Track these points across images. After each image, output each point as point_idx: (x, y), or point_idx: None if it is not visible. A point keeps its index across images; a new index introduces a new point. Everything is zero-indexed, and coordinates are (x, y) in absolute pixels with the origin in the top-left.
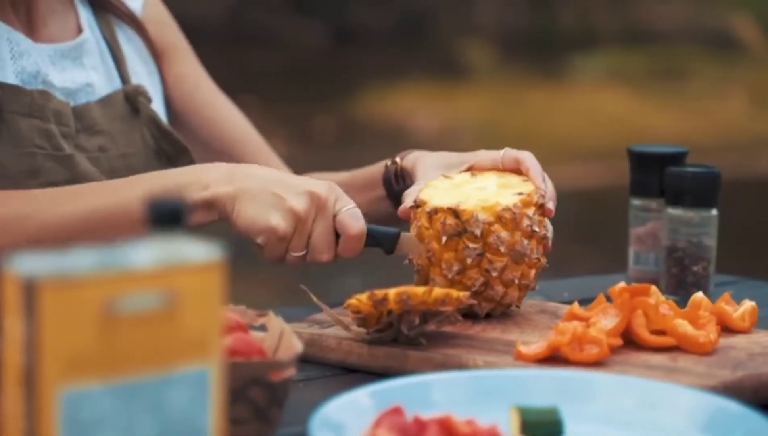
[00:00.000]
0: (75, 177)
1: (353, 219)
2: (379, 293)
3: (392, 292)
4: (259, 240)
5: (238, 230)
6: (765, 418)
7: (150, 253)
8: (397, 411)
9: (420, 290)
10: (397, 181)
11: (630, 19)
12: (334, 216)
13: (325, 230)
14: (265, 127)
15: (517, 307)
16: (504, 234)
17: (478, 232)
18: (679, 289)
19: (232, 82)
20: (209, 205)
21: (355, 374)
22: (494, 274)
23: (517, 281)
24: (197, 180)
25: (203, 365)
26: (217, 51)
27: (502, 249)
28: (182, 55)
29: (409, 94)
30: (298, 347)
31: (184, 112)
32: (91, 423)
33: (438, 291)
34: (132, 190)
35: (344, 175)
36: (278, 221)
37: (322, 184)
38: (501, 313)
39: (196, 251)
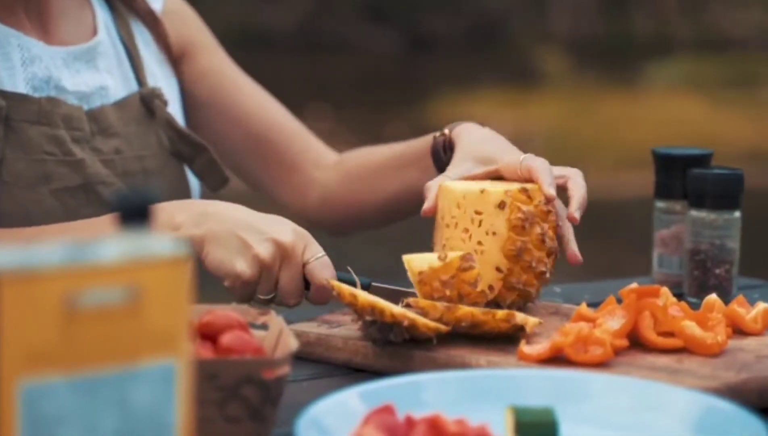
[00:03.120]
0: (87, 181)
1: (323, 269)
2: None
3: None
4: (226, 283)
5: (208, 270)
6: (759, 419)
7: (115, 247)
8: (387, 410)
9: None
10: (445, 152)
11: (704, 27)
12: (304, 265)
13: (292, 277)
14: (337, 134)
15: (533, 302)
16: (527, 208)
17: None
18: (702, 292)
19: (305, 91)
20: None
21: (361, 374)
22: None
23: (534, 265)
24: (169, 221)
25: (169, 359)
26: (291, 60)
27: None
28: (205, 50)
29: (481, 101)
30: (293, 345)
31: (212, 106)
32: (52, 418)
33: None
34: (104, 228)
35: (396, 149)
36: (243, 268)
37: (290, 233)
38: (520, 306)
39: (162, 246)
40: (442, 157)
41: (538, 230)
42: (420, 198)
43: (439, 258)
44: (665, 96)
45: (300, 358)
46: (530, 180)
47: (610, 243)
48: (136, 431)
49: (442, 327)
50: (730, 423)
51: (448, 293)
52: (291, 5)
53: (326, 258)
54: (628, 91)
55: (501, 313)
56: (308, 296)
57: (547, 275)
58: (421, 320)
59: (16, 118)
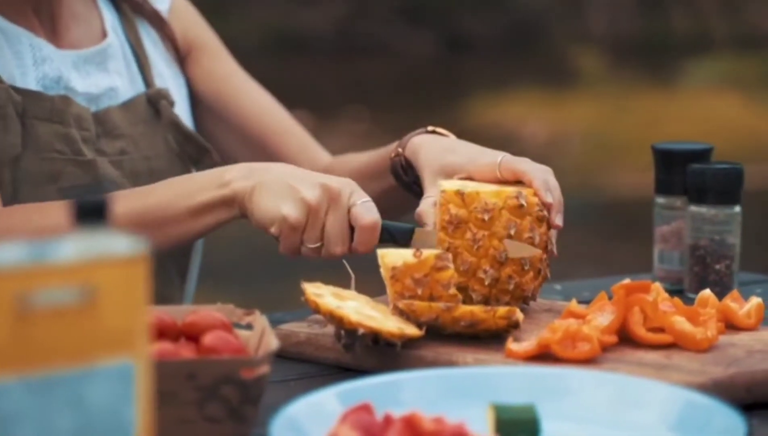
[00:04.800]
0: (96, 181)
1: (367, 211)
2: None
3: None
4: (273, 230)
5: (255, 222)
6: (738, 414)
7: (70, 247)
8: (364, 409)
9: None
10: (405, 172)
11: (743, 24)
12: (349, 209)
13: (338, 221)
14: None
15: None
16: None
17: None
18: (702, 287)
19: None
20: (230, 201)
21: (350, 374)
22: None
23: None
24: (219, 178)
25: (127, 359)
26: (327, 63)
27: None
28: (210, 51)
29: (518, 102)
30: (273, 344)
31: (216, 108)
32: (6, 417)
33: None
34: (158, 192)
35: (369, 158)
36: (290, 211)
37: (338, 179)
38: (519, 305)
39: (119, 246)
40: (402, 177)
41: (469, 234)
42: (399, 205)
43: (414, 255)
44: (703, 94)
45: (290, 358)
46: (511, 182)
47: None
48: (94, 430)
49: (408, 333)
50: (711, 418)
51: (420, 291)
52: (327, 8)
53: (371, 202)
54: (666, 90)
55: (502, 310)
56: (353, 245)
57: (487, 282)
58: (386, 328)
59: (28, 114)
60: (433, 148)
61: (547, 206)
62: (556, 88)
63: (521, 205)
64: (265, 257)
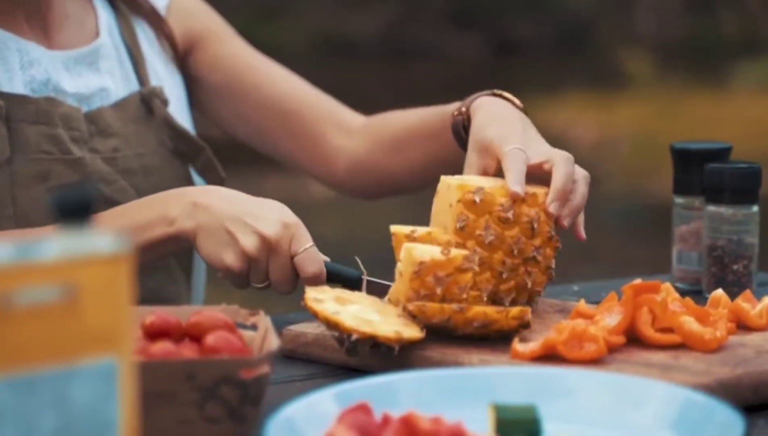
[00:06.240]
0: (87, 179)
1: (309, 262)
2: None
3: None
4: (219, 274)
5: (204, 260)
6: (735, 412)
7: (52, 246)
8: (362, 409)
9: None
10: (465, 131)
11: None
12: (292, 256)
13: (280, 268)
14: None
15: (539, 296)
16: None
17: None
18: (720, 288)
19: (390, 97)
20: (176, 239)
21: (356, 374)
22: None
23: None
24: (163, 216)
25: (110, 357)
26: (375, 67)
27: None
28: (215, 37)
29: (566, 105)
30: (273, 345)
31: (230, 91)
32: None
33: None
34: (105, 225)
35: (421, 116)
36: (231, 261)
37: (276, 225)
38: (526, 301)
39: (101, 244)
40: (462, 135)
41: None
42: (446, 167)
43: (442, 252)
44: (752, 96)
45: (298, 358)
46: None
47: None
48: (77, 429)
49: (407, 336)
50: (710, 418)
51: (439, 291)
52: (375, 12)
53: (314, 249)
54: (715, 92)
55: (514, 310)
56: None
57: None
58: (382, 333)
59: (14, 118)
60: (485, 113)
61: (512, 196)
62: (604, 91)
63: (474, 202)
64: None
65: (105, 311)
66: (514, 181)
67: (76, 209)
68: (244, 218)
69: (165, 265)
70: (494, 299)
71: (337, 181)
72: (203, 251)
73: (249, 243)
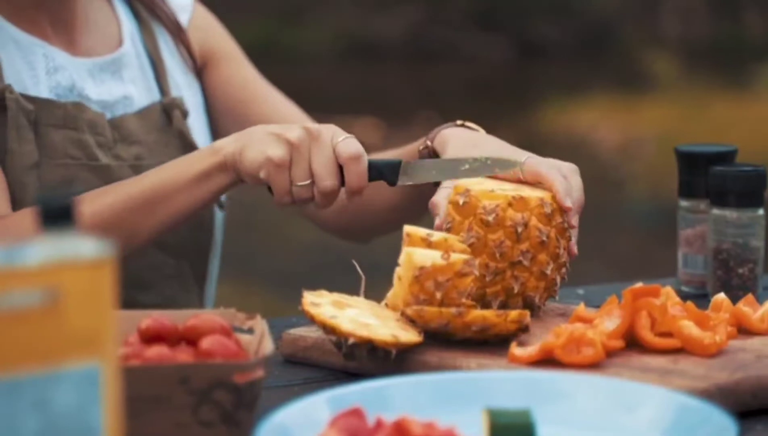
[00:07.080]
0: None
1: (351, 144)
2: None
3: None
4: (262, 175)
5: (246, 175)
6: (728, 416)
7: (35, 250)
8: (354, 413)
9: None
10: None
11: None
12: (334, 148)
13: (324, 156)
14: None
15: (539, 306)
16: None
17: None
18: (725, 291)
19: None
20: (224, 166)
21: (355, 378)
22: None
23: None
24: (209, 148)
25: (93, 361)
26: (400, 68)
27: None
28: (229, 59)
29: (590, 107)
30: (268, 349)
31: (233, 114)
32: None
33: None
34: (157, 171)
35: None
36: (274, 151)
37: (316, 124)
38: (525, 306)
39: (85, 248)
40: None
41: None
42: (418, 204)
43: (443, 257)
44: None
45: (297, 362)
46: (533, 183)
47: None
48: (59, 433)
49: (404, 340)
50: (704, 423)
51: (438, 296)
52: (400, 14)
53: (353, 138)
54: (740, 94)
55: (513, 314)
56: (347, 182)
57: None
58: (378, 337)
59: (41, 122)
60: (460, 142)
61: (566, 210)
62: (628, 93)
63: (459, 203)
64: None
65: (88, 315)
66: (565, 194)
67: (59, 213)
68: (287, 124)
69: (179, 273)
70: (483, 303)
71: (326, 221)
72: (248, 157)
73: (292, 133)
